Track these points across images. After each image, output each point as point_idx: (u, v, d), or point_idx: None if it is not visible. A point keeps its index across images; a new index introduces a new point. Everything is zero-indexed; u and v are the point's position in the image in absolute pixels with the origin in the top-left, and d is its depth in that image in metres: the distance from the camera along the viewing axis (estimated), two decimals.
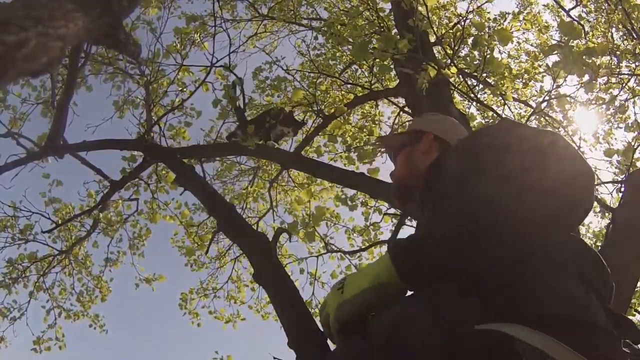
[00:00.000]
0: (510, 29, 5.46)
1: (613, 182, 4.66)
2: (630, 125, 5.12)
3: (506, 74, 4.45)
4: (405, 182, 1.27)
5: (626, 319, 0.85)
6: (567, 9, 5.15)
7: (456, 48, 3.89)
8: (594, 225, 5.70)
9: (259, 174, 5.90)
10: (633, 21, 4.40)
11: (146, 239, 5.78)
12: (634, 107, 5.16)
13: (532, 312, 0.74)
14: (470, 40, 4.40)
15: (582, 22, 5.02)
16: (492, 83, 4.31)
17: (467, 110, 5.53)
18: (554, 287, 0.80)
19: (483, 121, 5.45)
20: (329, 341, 1.07)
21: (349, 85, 5.50)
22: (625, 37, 5.19)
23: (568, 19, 4.62)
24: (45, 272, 5.39)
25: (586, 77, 2.99)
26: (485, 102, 5.17)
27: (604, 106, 4.96)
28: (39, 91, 4.83)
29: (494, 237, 0.83)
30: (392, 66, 4.13)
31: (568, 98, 3.60)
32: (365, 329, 0.90)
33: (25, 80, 4.15)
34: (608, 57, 4.66)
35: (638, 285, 2.80)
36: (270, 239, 2.70)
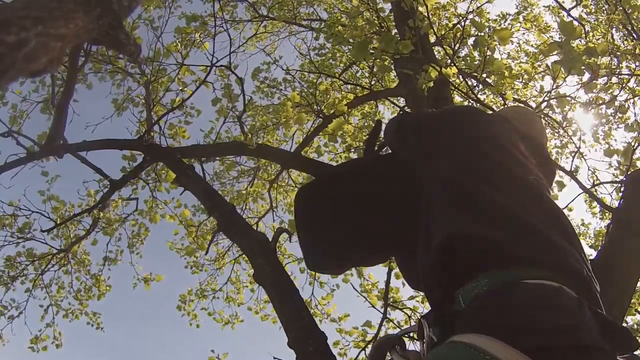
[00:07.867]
0: (511, 30, 5.46)
1: (613, 182, 4.66)
2: (630, 125, 5.12)
3: (506, 74, 4.44)
4: None
5: (620, 327, 0.79)
6: (567, 9, 5.15)
7: (456, 48, 3.89)
8: (594, 225, 5.70)
9: (258, 174, 5.89)
10: (633, 22, 4.40)
11: (145, 238, 5.79)
12: (634, 108, 5.16)
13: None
14: (470, 41, 4.38)
15: (582, 23, 5.02)
16: (492, 83, 4.30)
17: None
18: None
19: None
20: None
21: (349, 85, 5.49)
22: (625, 38, 5.19)
23: (568, 19, 4.62)
24: (44, 270, 5.39)
25: (586, 77, 2.99)
26: (485, 102, 5.16)
27: (604, 106, 4.95)
28: (38, 85, 4.83)
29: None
30: (392, 66, 4.12)
31: (568, 98, 3.59)
32: None
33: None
34: (608, 58, 4.66)
35: (638, 285, 2.79)
36: (270, 239, 2.70)
